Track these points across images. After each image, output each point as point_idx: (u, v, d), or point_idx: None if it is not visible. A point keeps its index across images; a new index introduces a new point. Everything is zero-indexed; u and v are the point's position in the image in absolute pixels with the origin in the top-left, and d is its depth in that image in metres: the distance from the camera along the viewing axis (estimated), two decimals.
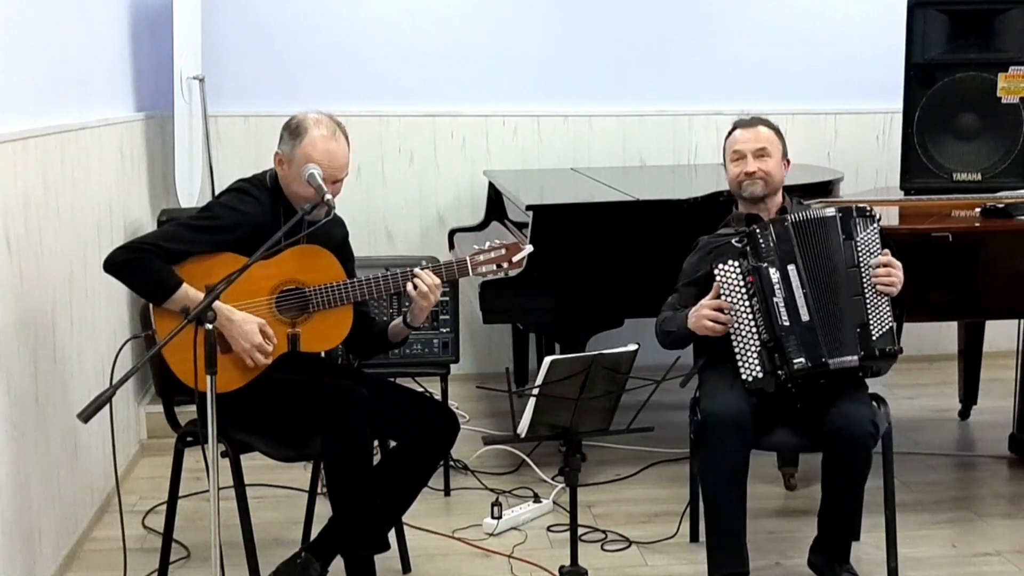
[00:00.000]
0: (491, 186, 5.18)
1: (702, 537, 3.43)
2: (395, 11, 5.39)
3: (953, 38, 4.34)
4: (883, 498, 3.27)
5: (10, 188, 3.11)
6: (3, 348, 3.02)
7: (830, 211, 3.23)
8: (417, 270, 3.04)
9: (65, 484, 3.49)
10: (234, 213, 3.02)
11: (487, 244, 3.11)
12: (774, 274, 3.16)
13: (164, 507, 3.22)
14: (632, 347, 2.91)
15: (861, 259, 3.19)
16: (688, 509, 3.65)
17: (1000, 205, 3.93)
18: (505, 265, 3.11)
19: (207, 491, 2.74)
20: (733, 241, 3.25)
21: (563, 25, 5.51)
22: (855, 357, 3.15)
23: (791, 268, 3.17)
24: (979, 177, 4.36)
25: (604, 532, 3.72)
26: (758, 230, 3.20)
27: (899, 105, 4.43)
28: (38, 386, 3.27)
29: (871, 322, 3.16)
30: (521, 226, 4.28)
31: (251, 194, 3.07)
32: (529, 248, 3.15)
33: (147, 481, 4.18)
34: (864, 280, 3.18)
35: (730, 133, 3.50)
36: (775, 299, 3.15)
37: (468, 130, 5.49)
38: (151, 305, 2.97)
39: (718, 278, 3.19)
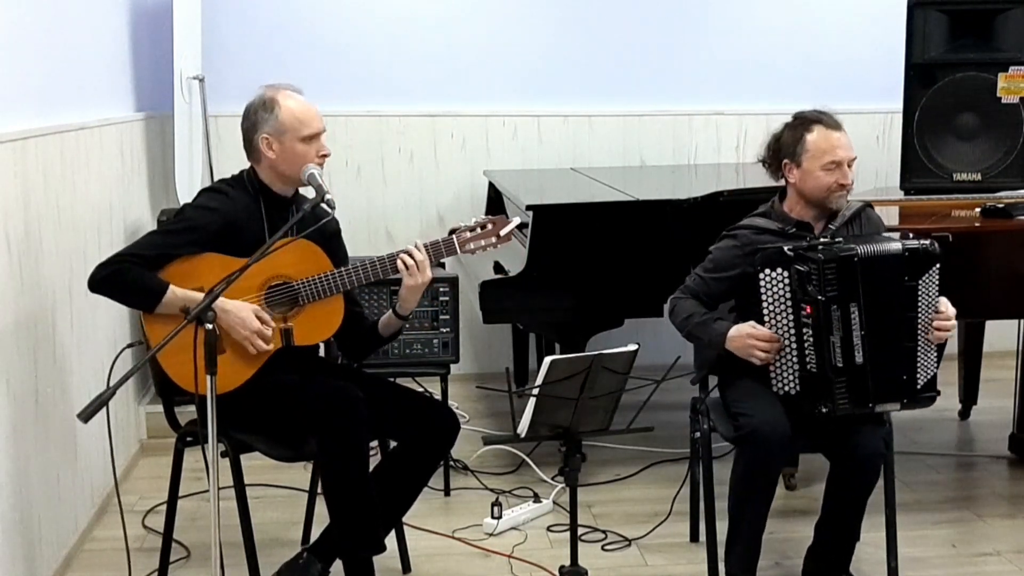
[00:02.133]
0: (491, 186, 5.18)
1: (702, 537, 3.43)
2: (395, 11, 5.39)
3: (953, 38, 4.34)
4: (883, 498, 3.27)
5: (10, 188, 3.11)
6: (3, 348, 3.02)
7: (896, 246, 3.05)
8: (408, 247, 3.03)
9: (65, 484, 3.49)
10: (204, 212, 3.02)
11: (473, 220, 3.08)
12: (835, 311, 3.00)
13: (164, 507, 3.22)
14: (632, 347, 2.91)
15: (920, 304, 3.05)
16: (685, 508, 3.67)
17: (1000, 205, 3.92)
18: (493, 240, 3.07)
19: (207, 491, 2.74)
20: (785, 248, 3.03)
21: (563, 25, 5.51)
22: (897, 404, 3.10)
23: (852, 307, 3.01)
24: (979, 177, 4.36)
25: (604, 532, 3.72)
26: (823, 258, 2.99)
27: (899, 105, 4.43)
28: (38, 386, 3.27)
29: (918, 371, 3.09)
30: (521, 226, 4.28)
31: (221, 191, 3.08)
32: (516, 220, 3.10)
33: (147, 481, 4.18)
34: (920, 328, 3.06)
35: (807, 131, 3.16)
36: (832, 338, 3.02)
37: (468, 130, 5.49)
38: (141, 314, 2.96)
39: (762, 283, 3.05)
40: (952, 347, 4.81)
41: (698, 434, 3.37)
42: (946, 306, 3.11)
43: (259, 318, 2.94)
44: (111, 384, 2.47)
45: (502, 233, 3.07)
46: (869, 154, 5.61)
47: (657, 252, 3.98)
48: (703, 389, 3.46)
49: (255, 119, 3.06)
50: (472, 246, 3.07)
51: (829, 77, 5.57)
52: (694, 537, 3.64)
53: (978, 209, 3.94)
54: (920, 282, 3.06)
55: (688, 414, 3.47)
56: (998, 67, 4.29)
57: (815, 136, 3.15)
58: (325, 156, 3.07)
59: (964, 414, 4.85)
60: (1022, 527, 3.77)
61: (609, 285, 4.03)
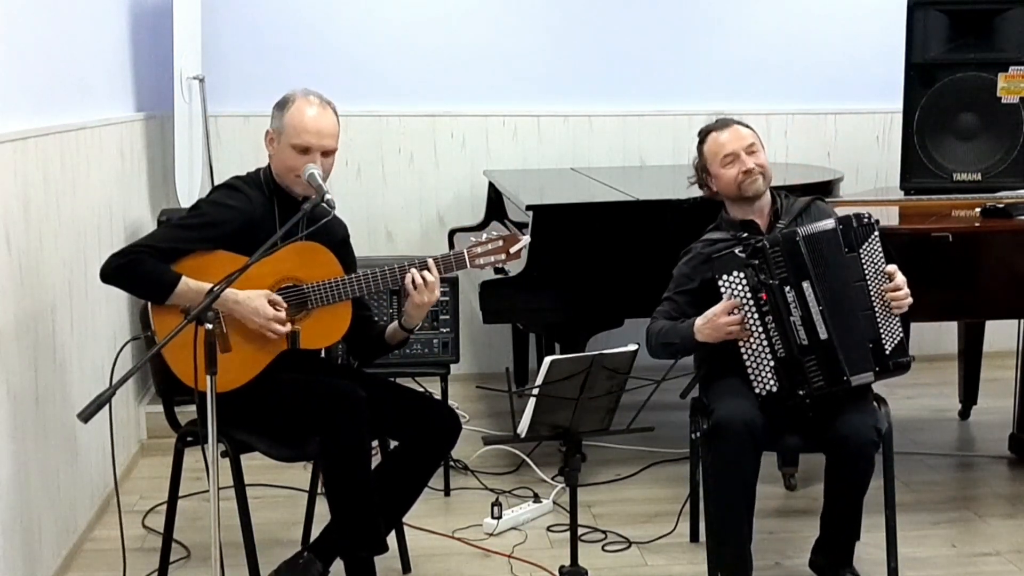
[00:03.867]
0: (491, 186, 5.18)
1: (702, 537, 3.43)
2: (396, 11, 5.39)
3: (953, 38, 4.34)
4: (883, 498, 3.27)
5: (10, 188, 3.11)
6: (3, 348, 3.02)
7: (830, 223, 3.14)
8: (419, 264, 3.04)
9: (65, 484, 3.49)
10: (222, 209, 3.02)
11: (484, 236, 3.10)
12: (789, 292, 3.08)
13: (164, 507, 3.22)
14: (632, 347, 2.91)
15: (867, 272, 3.12)
16: (685, 508, 3.66)
17: (1000, 205, 3.93)
18: (503, 257, 3.09)
19: (207, 491, 2.74)
20: (736, 251, 3.13)
21: (563, 25, 5.51)
22: (870, 374, 3.13)
23: (806, 285, 3.09)
24: (979, 177, 4.36)
25: (604, 532, 3.72)
26: (767, 244, 3.10)
27: (899, 105, 4.43)
28: (38, 386, 3.27)
29: (883, 337, 3.12)
30: (521, 226, 4.28)
31: (239, 190, 3.07)
32: (526, 239, 3.13)
33: (147, 481, 4.18)
34: (872, 294, 3.12)
35: (703, 141, 3.39)
36: (792, 318, 3.08)
37: (468, 130, 5.49)
38: (150, 305, 2.97)
39: (723, 289, 3.12)
40: (952, 347, 4.82)
41: (698, 434, 3.38)
42: (894, 270, 3.15)
43: (271, 302, 2.95)
44: (111, 384, 2.47)
45: (512, 251, 3.10)
46: (869, 154, 5.63)
47: (657, 252, 3.97)
48: (703, 389, 3.46)
49: (272, 113, 3.09)
50: (482, 261, 3.09)
51: (829, 77, 5.58)
52: (694, 537, 3.64)
53: (978, 209, 3.94)
54: (861, 251, 3.12)
55: (688, 414, 3.47)
56: (998, 67, 4.29)
57: (707, 144, 3.39)
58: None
59: (964, 414, 4.85)
60: (1022, 527, 3.77)
61: (609, 285, 4.03)
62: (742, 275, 3.11)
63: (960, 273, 3.72)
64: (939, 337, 5.32)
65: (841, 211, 3.39)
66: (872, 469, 3.11)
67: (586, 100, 5.54)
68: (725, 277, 3.12)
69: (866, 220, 3.14)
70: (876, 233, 3.14)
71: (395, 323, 3.18)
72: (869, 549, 3.41)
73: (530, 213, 4.01)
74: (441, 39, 5.42)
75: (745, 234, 3.27)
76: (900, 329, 3.16)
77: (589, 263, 4.03)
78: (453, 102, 5.45)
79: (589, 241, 4.03)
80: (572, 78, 5.52)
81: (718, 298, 3.14)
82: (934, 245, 3.65)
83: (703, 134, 3.42)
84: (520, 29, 5.48)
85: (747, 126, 3.40)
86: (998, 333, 4.77)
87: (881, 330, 3.13)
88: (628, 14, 5.52)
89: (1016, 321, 4.34)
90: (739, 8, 5.61)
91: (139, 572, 3.36)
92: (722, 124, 3.40)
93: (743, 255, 3.11)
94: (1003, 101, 4.31)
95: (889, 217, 4.05)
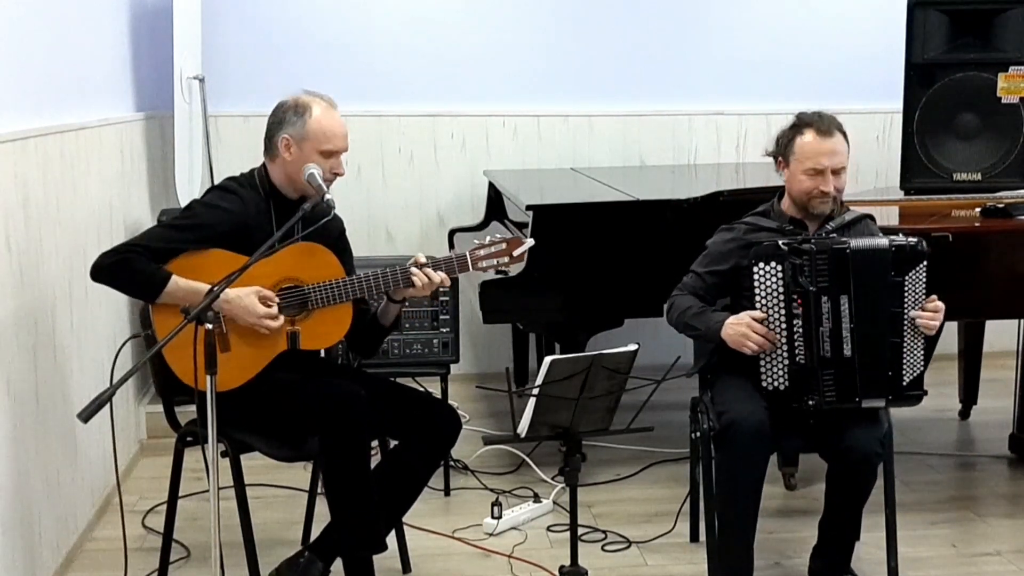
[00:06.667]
0: (491, 186, 5.18)
1: (702, 537, 3.43)
2: (396, 11, 5.39)
3: (953, 38, 4.34)
4: (883, 498, 3.27)
5: (10, 188, 3.11)
6: (3, 348, 3.02)
7: (883, 242, 3.09)
8: (416, 265, 3.03)
9: (65, 484, 3.49)
10: (214, 210, 3.02)
11: (487, 239, 3.10)
12: (825, 302, 3.04)
13: (164, 507, 3.22)
14: (632, 347, 2.91)
15: (906, 300, 3.08)
16: (685, 508, 3.66)
17: (1000, 205, 3.93)
18: (506, 260, 3.08)
19: (207, 491, 2.74)
20: (781, 243, 3.08)
21: (563, 25, 5.51)
22: (882, 400, 3.12)
23: (843, 299, 3.05)
24: (979, 177, 4.36)
25: (604, 532, 3.72)
26: (816, 248, 3.05)
27: (899, 105, 4.43)
28: (38, 386, 3.27)
29: (904, 367, 3.10)
30: (521, 226, 4.28)
31: (233, 191, 3.07)
32: (530, 242, 3.11)
33: (147, 481, 4.18)
34: (905, 324, 3.08)
35: (799, 132, 3.19)
36: (821, 328, 3.05)
37: (468, 130, 5.49)
38: (150, 305, 2.97)
39: (756, 277, 3.08)
40: (952, 347, 4.82)
41: (698, 434, 3.37)
42: (934, 300, 3.12)
43: (262, 298, 2.94)
44: (111, 383, 2.47)
45: (515, 254, 3.08)
46: (869, 154, 5.62)
47: (657, 252, 3.98)
48: (703, 389, 3.46)
49: (282, 117, 3.06)
50: (484, 264, 3.08)
51: (829, 77, 5.57)
52: (694, 537, 3.64)
53: (978, 209, 3.94)
54: (906, 278, 3.08)
55: (688, 414, 3.47)
56: (998, 67, 4.29)
57: (803, 140, 3.19)
58: (337, 175, 3.06)
59: (964, 414, 4.85)
60: (1022, 527, 3.77)
61: (609, 285, 4.03)
62: (779, 268, 3.06)
63: (960, 273, 3.72)
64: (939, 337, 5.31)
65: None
66: (875, 479, 3.12)
67: (586, 100, 5.54)
68: (761, 265, 3.07)
69: (919, 247, 3.08)
70: (925, 262, 3.09)
71: (384, 301, 3.17)
72: (869, 549, 3.41)
73: (530, 213, 4.01)
74: (441, 39, 5.42)
75: (790, 227, 3.22)
76: (922, 362, 3.13)
77: (589, 263, 4.02)
78: (453, 102, 5.45)
79: (589, 241, 4.03)
80: (572, 78, 5.52)
81: (748, 283, 3.09)
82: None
83: (803, 124, 3.19)
84: (520, 29, 5.48)
85: (844, 132, 3.21)
86: (998, 333, 4.77)
87: (904, 361, 3.10)
88: (628, 14, 5.51)
89: (1016, 321, 4.34)
90: (739, 8, 5.61)
91: (139, 572, 3.36)
92: (825, 128, 3.17)
93: (786, 248, 3.06)
94: (1003, 101, 4.31)
95: (889, 217, 4.05)
